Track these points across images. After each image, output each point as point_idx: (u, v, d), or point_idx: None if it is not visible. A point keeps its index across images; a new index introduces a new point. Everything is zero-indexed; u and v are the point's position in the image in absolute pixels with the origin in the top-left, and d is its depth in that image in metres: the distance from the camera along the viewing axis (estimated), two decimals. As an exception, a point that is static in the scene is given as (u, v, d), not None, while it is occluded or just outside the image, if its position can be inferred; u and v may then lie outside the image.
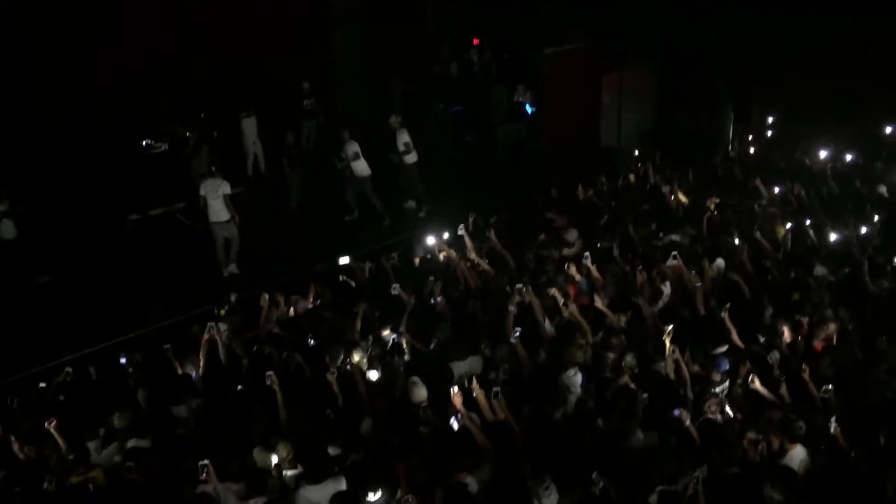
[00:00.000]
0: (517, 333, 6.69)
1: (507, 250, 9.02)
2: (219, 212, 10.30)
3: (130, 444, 6.14)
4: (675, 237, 9.19)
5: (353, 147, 11.96)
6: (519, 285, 7.30)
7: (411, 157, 12.16)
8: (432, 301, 7.97)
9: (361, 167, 12.01)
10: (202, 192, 10.30)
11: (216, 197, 10.25)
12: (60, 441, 6.17)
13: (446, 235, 9.64)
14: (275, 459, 5.56)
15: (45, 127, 12.44)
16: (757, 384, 6.07)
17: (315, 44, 15.89)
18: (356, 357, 6.87)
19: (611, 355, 6.67)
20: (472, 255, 8.91)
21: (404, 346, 7.24)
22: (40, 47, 12.46)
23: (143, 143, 12.98)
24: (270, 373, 6.24)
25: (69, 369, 7.62)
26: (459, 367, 6.70)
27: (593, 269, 8.11)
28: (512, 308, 7.05)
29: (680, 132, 14.32)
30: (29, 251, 10.38)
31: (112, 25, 13.00)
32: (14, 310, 9.90)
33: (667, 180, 11.36)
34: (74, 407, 6.99)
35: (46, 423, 6.19)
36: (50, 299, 10.20)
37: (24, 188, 10.82)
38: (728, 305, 7.05)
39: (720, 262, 8.35)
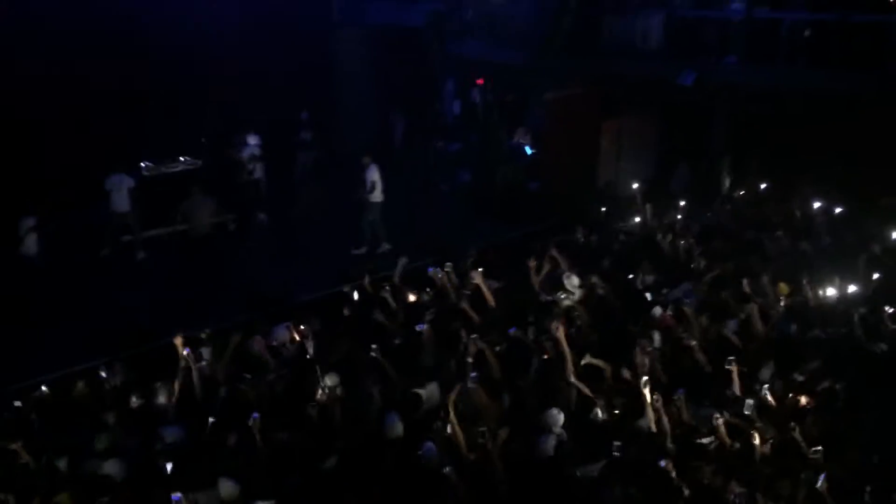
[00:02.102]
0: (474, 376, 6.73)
1: (490, 290, 8.96)
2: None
3: (106, 467, 6.00)
4: (678, 292, 9.14)
5: (375, 173, 12.13)
6: (474, 336, 7.36)
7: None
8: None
9: (378, 193, 12.22)
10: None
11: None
12: (28, 460, 6.03)
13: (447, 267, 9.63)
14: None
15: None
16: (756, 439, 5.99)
17: (317, 75, 15.99)
18: (329, 381, 6.81)
19: (598, 402, 6.59)
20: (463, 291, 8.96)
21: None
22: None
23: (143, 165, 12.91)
24: (256, 416, 6.15)
25: (45, 388, 7.46)
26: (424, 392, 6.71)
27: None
28: (469, 358, 7.10)
29: (678, 180, 14.40)
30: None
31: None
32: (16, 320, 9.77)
33: (666, 228, 11.36)
34: (48, 426, 6.85)
35: (13, 445, 6.04)
36: (53, 312, 10.06)
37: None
38: (733, 359, 7.00)
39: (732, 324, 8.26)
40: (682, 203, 12.77)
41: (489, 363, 7.26)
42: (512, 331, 7.74)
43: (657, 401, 6.32)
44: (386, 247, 12.34)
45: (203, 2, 14.13)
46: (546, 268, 9.72)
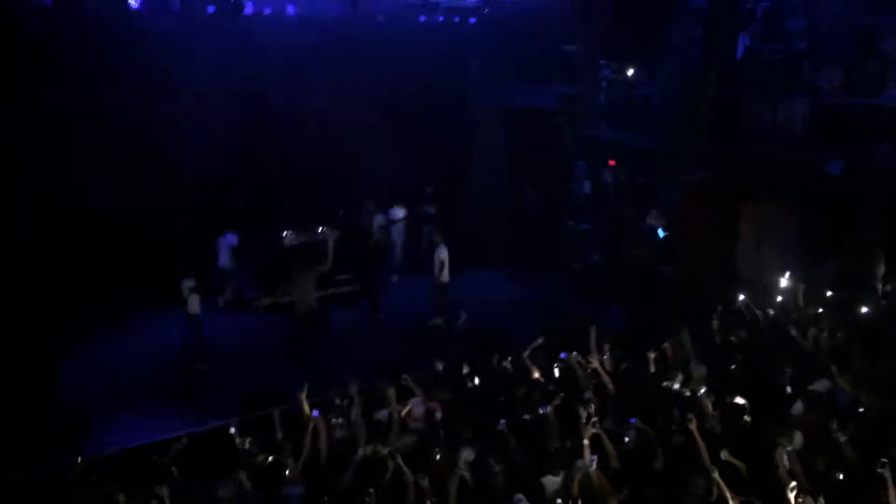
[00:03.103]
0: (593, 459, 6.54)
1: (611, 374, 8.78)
2: None
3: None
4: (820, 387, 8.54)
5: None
6: (594, 419, 7.11)
7: (444, 277, 12.66)
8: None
9: (445, 274, 12.61)
10: None
11: None
12: None
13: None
14: None
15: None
16: None
17: (448, 149, 16.47)
18: (465, 455, 6.76)
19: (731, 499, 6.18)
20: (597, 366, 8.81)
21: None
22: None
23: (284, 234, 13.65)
24: None
25: (184, 439, 7.84)
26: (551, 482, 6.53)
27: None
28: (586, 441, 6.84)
29: (825, 271, 13.59)
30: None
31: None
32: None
33: (811, 320, 10.71)
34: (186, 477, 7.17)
35: (161, 490, 6.34)
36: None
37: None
38: (885, 461, 6.42)
39: None
40: (830, 294, 12.02)
41: (607, 451, 7.03)
42: (633, 421, 7.45)
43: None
44: (438, 322, 12.71)
45: (351, 83, 15.01)
46: (673, 355, 9.39)
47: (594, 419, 7.15)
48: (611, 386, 8.60)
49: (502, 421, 7.38)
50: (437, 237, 12.93)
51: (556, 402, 8.00)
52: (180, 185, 13.14)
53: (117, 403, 9.63)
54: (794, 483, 6.04)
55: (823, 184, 13.11)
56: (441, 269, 12.64)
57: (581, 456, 6.79)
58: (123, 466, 7.68)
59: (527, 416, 7.98)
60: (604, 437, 7.05)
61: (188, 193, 13.29)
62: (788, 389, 8.41)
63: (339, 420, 7.85)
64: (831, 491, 6.35)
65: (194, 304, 11.08)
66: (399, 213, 15.13)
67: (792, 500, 5.93)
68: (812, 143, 13.61)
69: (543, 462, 6.95)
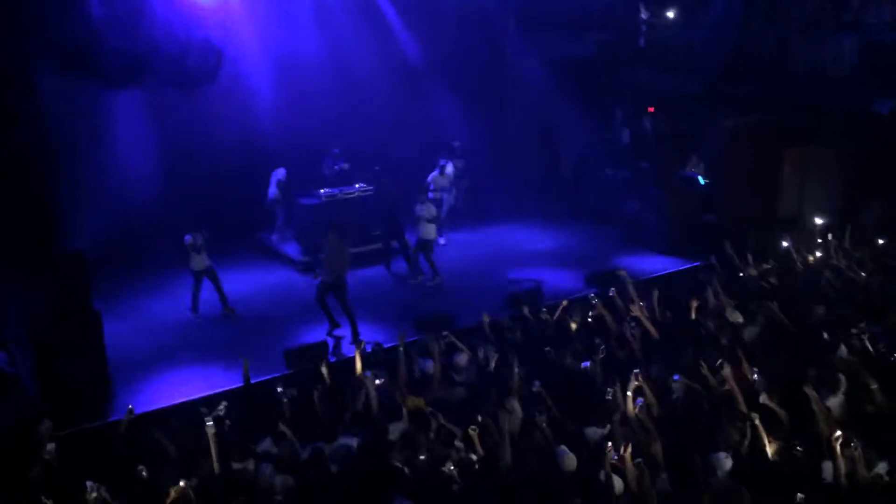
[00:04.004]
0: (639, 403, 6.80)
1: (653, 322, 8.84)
2: None
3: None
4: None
5: (423, 209, 12.31)
6: (636, 370, 7.24)
7: (427, 234, 12.34)
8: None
9: (430, 230, 12.39)
10: None
11: None
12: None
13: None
14: None
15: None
16: None
17: (488, 105, 16.31)
18: (509, 407, 6.95)
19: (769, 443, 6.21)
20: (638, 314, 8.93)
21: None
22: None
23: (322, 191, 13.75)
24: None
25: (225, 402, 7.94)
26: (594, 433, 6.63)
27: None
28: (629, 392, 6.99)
29: (870, 215, 13.25)
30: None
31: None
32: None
33: (856, 262, 10.52)
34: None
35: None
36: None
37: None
38: None
39: None
40: (875, 239, 11.74)
41: (648, 399, 7.07)
42: (677, 378, 7.46)
43: (856, 449, 5.83)
44: (420, 279, 12.45)
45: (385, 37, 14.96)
46: (711, 302, 9.34)
47: (637, 371, 7.20)
48: (654, 332, 8.61)
49: (536, 383, 7.46)
50: (421, 195, 12.58)
51: (601, 354, 8.05)
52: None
53: (163, 363, 9.86)
54: (839, 432, 6.00)
55: (871, 126, 12.69)
56: (425, 225, 12.24)
57: (625, 406, 6.87)
58: (171, 421, 7.93)
59: (570, 368, 8.04)
60: (646, 388, 7.09)
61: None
62: (826, 335, 8.29)
63: (382, 375, 7.99)
64: (872, 435, 6.31)
65: (196, 260, 11.13)
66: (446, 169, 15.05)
67: (837, 447, 5.89)
68: (860, 83, 13.13)
69: (588, 414, 7.03)
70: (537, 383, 7.45)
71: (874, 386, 6.90)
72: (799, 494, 5.52)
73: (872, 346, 7.88)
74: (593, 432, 6.77)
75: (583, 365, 8.04)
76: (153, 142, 12.94)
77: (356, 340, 10.04)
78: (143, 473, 6.28)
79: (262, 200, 13.95)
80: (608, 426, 6.73)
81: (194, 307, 11.34)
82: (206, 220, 11.47)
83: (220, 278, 11.38)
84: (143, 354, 10.04)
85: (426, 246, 12.30)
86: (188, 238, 11.07)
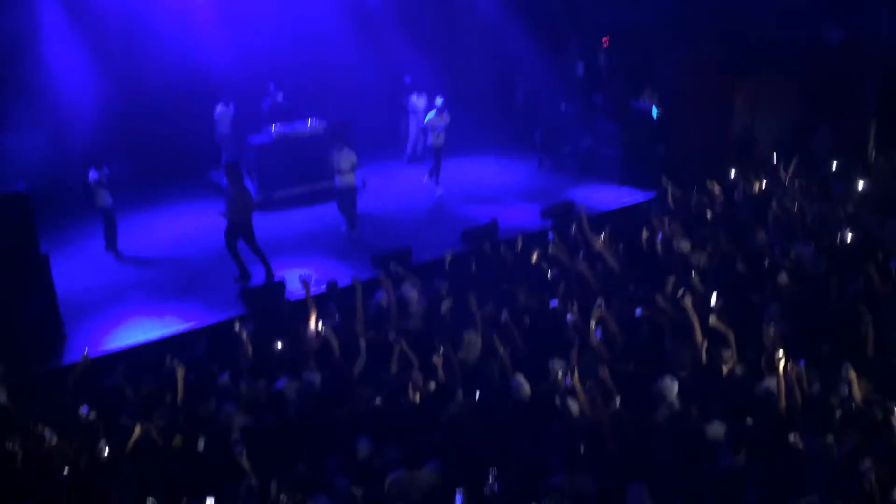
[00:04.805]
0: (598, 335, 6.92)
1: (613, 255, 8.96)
2: None
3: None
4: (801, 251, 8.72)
5: (338, 155, 11.56)
6: (599, 302, 7.36)
7: (346, 181, 11.52)
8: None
9: (347, 178, 11.59)
10: None
11: None
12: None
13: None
14: None
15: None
16: None
17: (437, 40, 16.03)
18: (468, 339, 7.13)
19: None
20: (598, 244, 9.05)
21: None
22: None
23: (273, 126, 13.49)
24: None
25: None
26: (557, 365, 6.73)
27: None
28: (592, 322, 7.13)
29: (819, 144, 13.53)
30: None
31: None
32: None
33: (800, 191, 10.79)
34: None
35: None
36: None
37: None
38: (871, 319, 6.66)
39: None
40: (822, 166, 12.05)
41: (611, 329, 7.25)
42: (638, 313, 7.63)
43: (790, 371, 6.10)
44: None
45: None
46: (662, 233, 9.52)
47: (600, 302, 7.34)
48: (613, 264, 8.74)
49: (504, 313, 7.54)
50: (338, 143, 11.60)
51: (562, 289, 8.14)
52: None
53: (117, 304, 9.72)
54: (781, 351, 6.24)
55: (820, 55, 12.85)
56: (342, 173, 11.48)
57: (586, 337, 7.02)
58: (127, 362, 7.89)
59: (529, 303, 8.16)
60: (609, 318, 7.24)
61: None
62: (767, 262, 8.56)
63: (336, 310, 8.02)
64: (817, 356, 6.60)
65: (102, 196, 10.85)
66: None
67: (779, 367, 6.14)
68: (810, 12, 13.20)
69: (550, 346, 7.16)
70: (504, 313, 7.52)
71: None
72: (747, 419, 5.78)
73: (809, 268, 8.15)
74: (556, 364, 6.86)
75: (543, 300, 8.15)
76: (96, 80, 12.49)
77: (243, 278, 10.12)
78: (92, 417, 6.27)
79: (209, 137, 13.65)
80: (570, 359, 6.85)
81: (111, 245, 11.12)
82: (155, 159, 11.19)
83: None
84: (95, 296, 9.89)
85: (348, 196, 11.64)
86: (94, 174, 10.74)
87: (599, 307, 7.28)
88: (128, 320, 9.34)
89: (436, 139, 13.30)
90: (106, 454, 5.89)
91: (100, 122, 12.47)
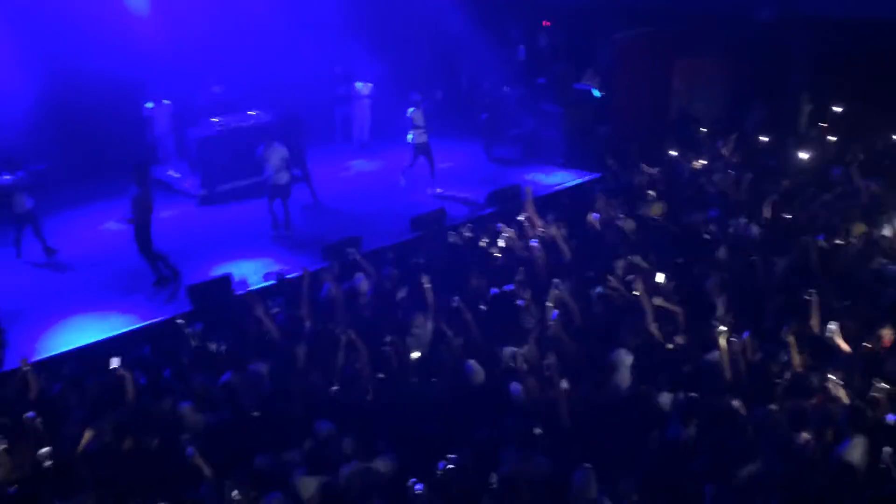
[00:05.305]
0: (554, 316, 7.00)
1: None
2: None
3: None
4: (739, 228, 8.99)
5: (273, 154, 11.16)
6: (556, 280, 7.52)
7: (276, 179, 11.20)
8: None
9: (280, 175, 11.28)
10: None
11: None
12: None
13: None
14: None
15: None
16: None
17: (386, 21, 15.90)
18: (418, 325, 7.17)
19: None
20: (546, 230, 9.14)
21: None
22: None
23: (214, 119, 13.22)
24: None
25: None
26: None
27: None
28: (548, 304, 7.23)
29: (753, 119, 13.89)
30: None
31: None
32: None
33: (734, 166, 11.10)
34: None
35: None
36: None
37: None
38: (813, 291, 6.91)
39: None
40: (755, 142, 12.41)
41: (571, 308, 7.36)
42: (598, 290, 7.75)
43: (732, 342, 6.30)
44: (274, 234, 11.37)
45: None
46: (605, 214, 9.69)
47: (556, 281, 7.45)
48: (564, 248, 8.84)
49: (456, 298, 7.53)
50: (268, 139, 11.19)
51: (519, 276, 8.16)
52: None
53: (56, 308, 9.43)
54: (722, 327, 6.43)
55: (752, 33, 13.16)
56: (273, 169, 11.07)
57: (541, 321, 7.11)
58: (69, 366, 7.71)
59: (480, 289, 8.20)
60: (567, 298, 7.33)
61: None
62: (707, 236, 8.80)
63: (285, 301, 7.98)
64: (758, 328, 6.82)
65: (20, 201, 10.34)
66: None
67: (721, 342, 6.33)
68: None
69: (503, 332, 7.25)
70: (456, 299, 7.52)
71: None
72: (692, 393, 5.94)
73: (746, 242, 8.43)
74: (510, 350, 6.89)
75: (494, 284, 8.19)
76: (21, 77, 12.02)
77: (159, 283, 9.78)
78: (38, 423, 6.11)
79: (145, 133, 13.30)
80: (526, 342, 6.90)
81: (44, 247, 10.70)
82: (89, 157, 10.82)
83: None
84: (32, 300, 9.62)
85: (279, 192, 11.25)
86: (7, 178, 10.26)
87: (557, 288, 7.38)
88: (70, 323, 9.09)
89: (419, 136, 12.76)
90: (52, 460, 5.74)
91: (29, 121, 12.01)
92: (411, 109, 12.67)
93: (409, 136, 12.72)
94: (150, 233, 9.68)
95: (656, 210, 9.52)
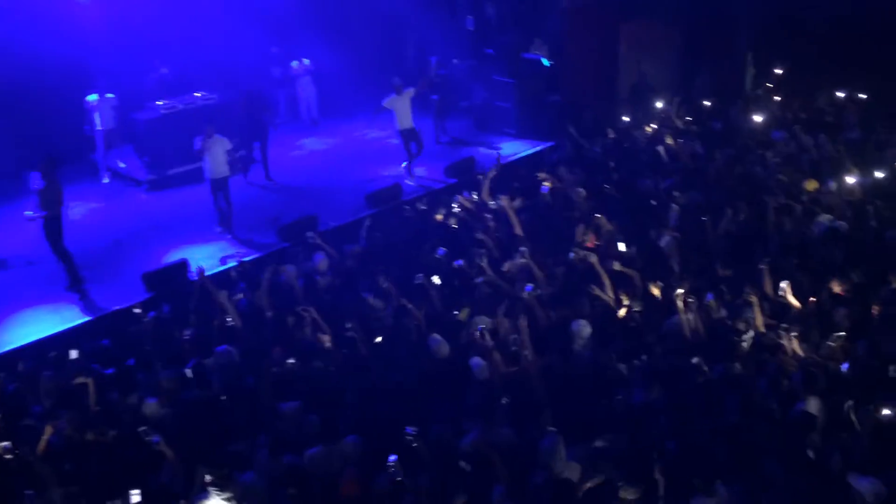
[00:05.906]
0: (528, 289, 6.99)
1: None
2: None
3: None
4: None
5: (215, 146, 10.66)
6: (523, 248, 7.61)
7: (217, 172, 10.67)
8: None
9: (218, 168, 10.72)
10: None
11: None
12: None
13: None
14: None
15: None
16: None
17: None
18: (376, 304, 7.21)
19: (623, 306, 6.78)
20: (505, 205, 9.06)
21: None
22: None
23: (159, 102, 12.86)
24: None
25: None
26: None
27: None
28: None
29: (700, 83, 14.09)
30: None
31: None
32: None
33: (681, 133, 11.27)
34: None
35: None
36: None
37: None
38: (768, 260, 7.08)
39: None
40: (704, 104, 12.61)
41: (538, 279, 7.42)
42: (571, 256, 7.79)
43: (690, 304, 6.43)
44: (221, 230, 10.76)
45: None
46: (557, 184, 9.76)
47: (523, 249, 7.56)
48: (518, 226, 8.81)
49: (419, 276, 7.51)
50: (209, 129, 10.51)
51: (484, 252, 8.12)
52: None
53: (7, 303, 9.17)
54: (680, 290, 6.56)
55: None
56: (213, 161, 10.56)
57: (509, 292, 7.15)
58: (23, 363, 7.53)
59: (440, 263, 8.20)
60: (533, 265, 7.43)
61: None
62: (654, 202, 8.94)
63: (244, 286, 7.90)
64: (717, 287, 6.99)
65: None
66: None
67: (679, 303, 6.46)
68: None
69: (465, 304, 7.26)
70: (420, 276, 7.50)
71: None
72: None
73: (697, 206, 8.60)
74: (482, 320, 6.90)
75: (453, 257, 8.19)
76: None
77: (74, 286, 9.29)
78: None
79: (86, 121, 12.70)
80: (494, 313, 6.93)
81: None
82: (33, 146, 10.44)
83: None
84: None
85: (219, 186, 10.72)
86: None
87: (523, 255, 7.44)
88: (23, 317, 8.86)
89: (404, 122, 12.28)
90: (12, 456, 5.61)
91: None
92: (388, 99, 12.17)
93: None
94: (62, 228, 9.26)
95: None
